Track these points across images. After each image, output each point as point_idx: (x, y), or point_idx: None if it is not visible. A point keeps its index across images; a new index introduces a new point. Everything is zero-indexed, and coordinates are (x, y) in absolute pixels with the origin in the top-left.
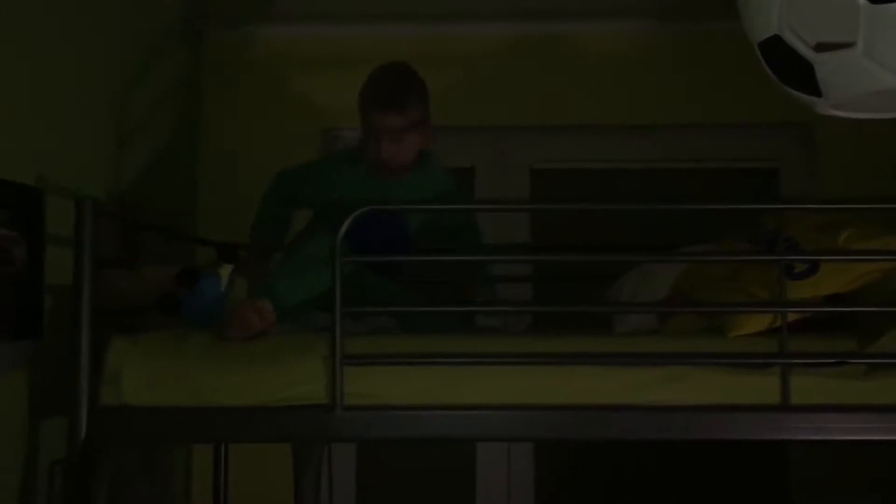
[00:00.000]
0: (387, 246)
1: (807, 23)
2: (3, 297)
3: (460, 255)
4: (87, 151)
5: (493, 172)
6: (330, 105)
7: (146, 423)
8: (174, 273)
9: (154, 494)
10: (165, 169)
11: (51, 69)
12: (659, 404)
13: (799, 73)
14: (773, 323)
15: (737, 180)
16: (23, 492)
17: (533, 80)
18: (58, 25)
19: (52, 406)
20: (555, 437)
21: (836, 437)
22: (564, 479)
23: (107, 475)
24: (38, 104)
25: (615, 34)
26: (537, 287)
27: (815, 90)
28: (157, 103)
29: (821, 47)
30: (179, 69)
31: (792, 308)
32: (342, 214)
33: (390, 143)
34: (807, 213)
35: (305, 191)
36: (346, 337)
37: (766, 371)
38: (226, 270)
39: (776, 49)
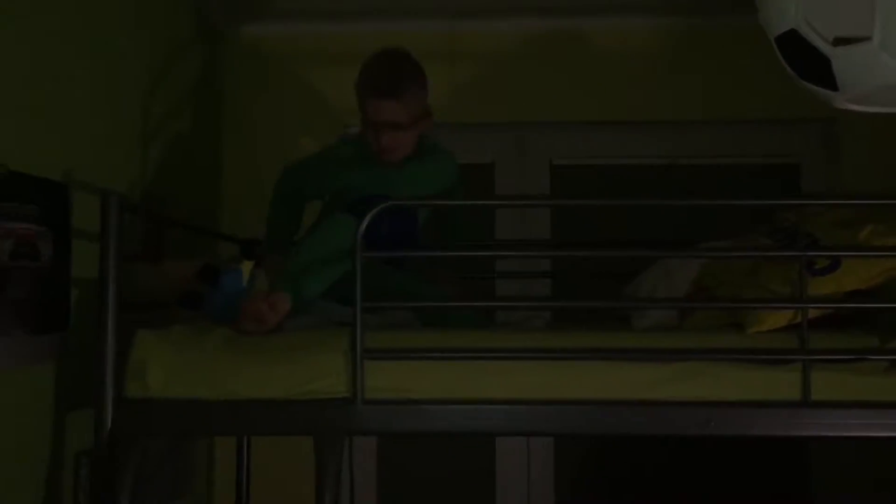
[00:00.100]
0: (396, 238)
1: (823, 17)
2: (31, 290)
3: (478, 252)
4: (112, 148)
5: (512, 169)
6: (351, 100)
7: (170, 415)
8: (196, 269)
9: (177, 485)
10: (188, 164)
11: (77, 67)
12: (679, 400)
13: (815, 67)
14: (794, 319)
15: (758, 176)
16: (50, 482)
17: (553, 76)
18: (84, 25)
19: (79, 398)
20: (574, 431)
21: (857, 433)
22: (584, 479)
23: (132, 466)
24: (65, 101)
25: (635, 30)
26: (557, 283)
27: (832, 84)
28: (180, 100)
29: (837, 41)
30: (201, 66)
31: (813, 304)
32: (352, 205)
33: (389, 131)
34: (827, 209)
35: (311, 183)
36: (366, 331)
37: (786, 367)
38: (247, 266)
39: (793, 43)
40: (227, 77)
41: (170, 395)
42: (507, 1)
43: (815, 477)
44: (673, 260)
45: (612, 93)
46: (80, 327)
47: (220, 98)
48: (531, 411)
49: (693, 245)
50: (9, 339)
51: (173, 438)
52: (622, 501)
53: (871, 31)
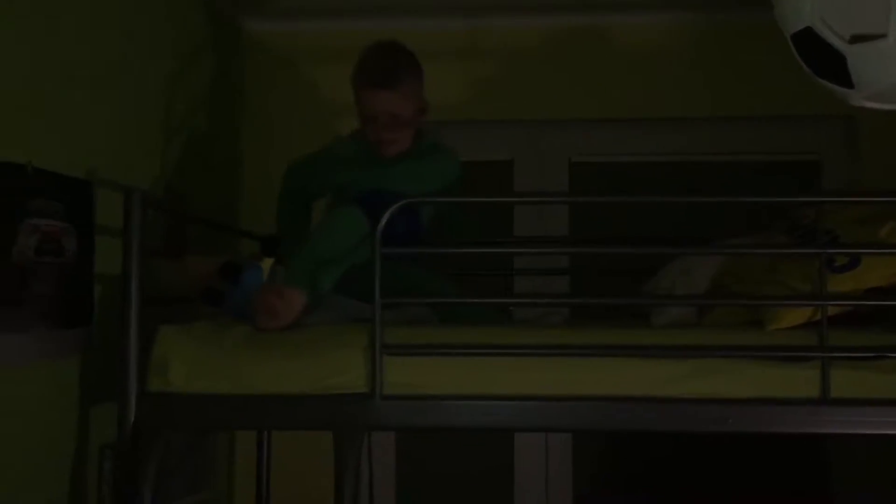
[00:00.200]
0: (400, 235)
1: (838, 15)
2: (56, 286)
3: (495, 249)
4: (134, 145)
5: (531, 166)
6: None
7: (192, 409)
8: (218, 265)
9: (198, 479)
10: (208, 162)
11: (99, 68)
12: (698, 397)
13: (831, 64)
14: (813, 316)
15: (778, 173)
16: (74, 474)
17: (572, 73)
18: (107, 23)
19: (102, 392)
20: (592, 427)
21: (876, 431)
22: (602, 475)
23: (154, 459)
24: (88, 100)
25: (654, 26)
26: (575, 280)
27: (848, 82)
28: (199, 98)
29: (852, 39)
30: (219, 63)
31: (833, 302)
32: (355, 202)
33: (387, 123)
34: (847, 206)
35: (314, 181)
36: (384, 327)
37: (805, 364)
38: (267, 263)
39: (808, 41)
40: (245, 74)
41: (191, 390)
42: None
43: (835, 475)
44: (692, 257)
45: (632, 90)
46: (104, 322)
47: (240, 95)
48: (549, 407)
49: (712, 242)
50: (34, 334)
51: (195, 432)
52: (640, 497)
53: (886, 29)
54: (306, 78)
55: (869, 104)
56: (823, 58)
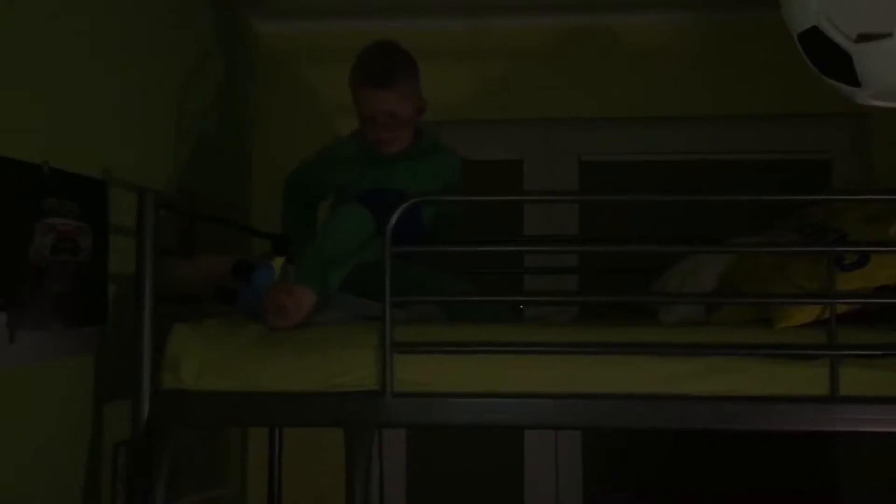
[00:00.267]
0: (404, 234)
1: (844, 14)
2: (71, 285)
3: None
4: (147, 145)
5: (541, 165)
6: None
7: (205, 406)
8: (230, 264)
9: (211, 475)
10: (219, 162)
11: (113, 70)
12: (707, 394)
13: (837, 63)
14: (822, 314)
15: (788, 172)
16: (89, 471)
17: (581, 72)
18: (120, 24)
19: (116, 390)
20: (601, 425)
21: (886, 429)
22: (612, 473)
23: (167, 455)
24: (103, 101)
25: (663, 25)
26: (584, 279)
27: (854, 80)
28: (212, 97)
29: (858, 38)
30: (230, 64)
31: (841, 300)
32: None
33: (386, 122)
34: (855, 205)
35: (315, 183)
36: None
37: (814, 363)
38: (278, 262)
39: (815, 40)
40: (256, 74)
41: (203, 388)
42: None
43: (846, 475)
44: (700, 256)
45: (641, 89)
46: (117, 321)
47: (250, 94)
48: (558, 405)
49: (721, 241)
50: (51, 331)
51: (207, 430)
52: (650, 495)
53: (891, 28)
54: (316, 77)
55: (875, 102)
56: (830, 56)
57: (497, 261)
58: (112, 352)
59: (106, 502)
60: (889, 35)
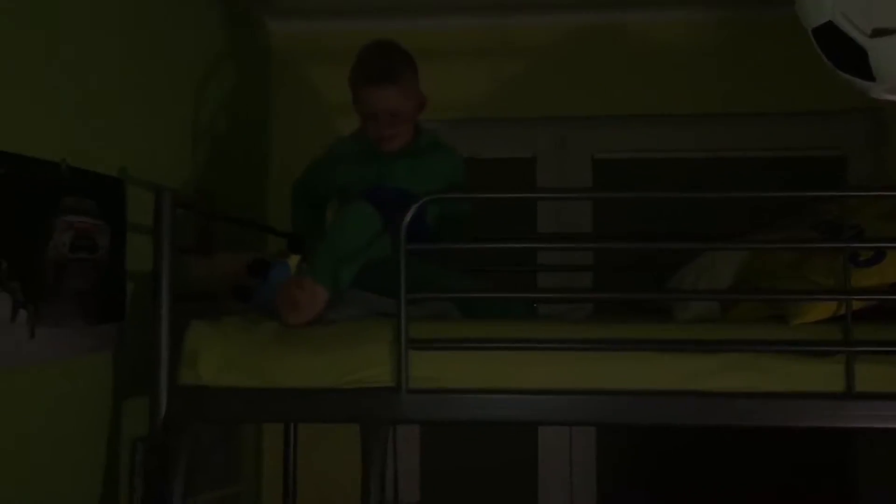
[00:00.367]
0: (407, 232)
1: (859, 9)
2: (90, 282)
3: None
4: (164, 144)
5: (554, 163)
6: None
7: (222, 402)
8: (246, 262)
9: (227, 472)
10: (236, 161)
11: (131, 70)
12: (722, 391)
13: (852, 58)
14: (838, 311)
15: (803, 169)
16: (108, 467)
17: (594, 71)
18: (136, 25)
19: (134, 386)
20: (616, 421)
21: None
22: (626, 470)
23: (185, 452)
24: (120, 100)
25: (676, 23)
26: (599, 277)
27: (869, 75)
28: (228, 96)
29: (873, 33)
30: (248, 62)
31: (857, 296)
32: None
33: (387, 118)
34: (870, 201)
35: (320, 186)
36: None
37: (830, 359)
38: (294, 259)
39: (829, 35)
40: (271, 73)
41: (221, 384)
42: None
43: (861, 472)
44: (716, 253)
45: (654, 87)
46: (136, 318)
47: (266, 94)
48: (573, 401)
49: (736, 238)
50: (69, 328)
51: (223, 426)
52: (664, 493)
53: None
54: (332, 76)
55: (890, 97)
56: (844, 51)
57: (511, 259)
58: (130, 349)
59: (124, 498)
60: None
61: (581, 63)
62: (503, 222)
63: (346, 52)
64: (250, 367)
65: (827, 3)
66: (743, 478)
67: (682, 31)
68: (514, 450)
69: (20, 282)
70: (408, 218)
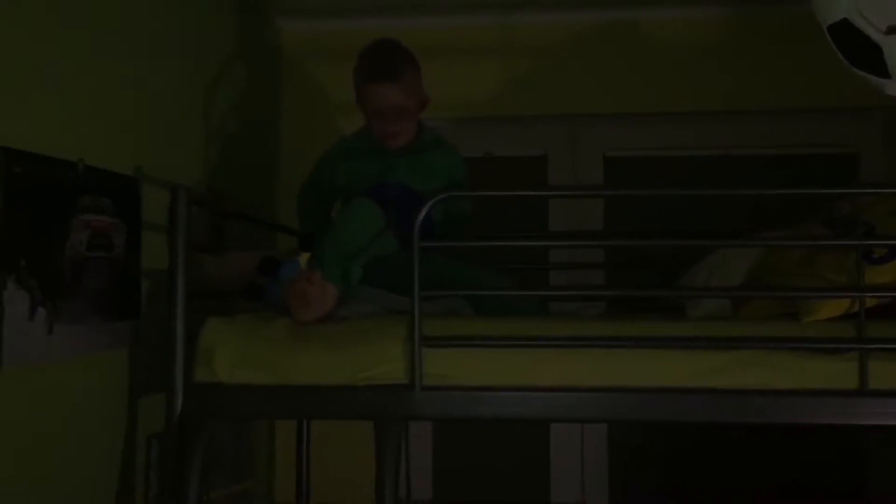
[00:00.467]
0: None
1: (875, 6)
2: (106, 280)
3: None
4: (177, 145)
5: (565, 161)
6: None
7: (237, 399)
8: (257, 261)
9: (241, 469)
10: (248, 160)
11: (146, 68)
12: (735, 388)
13: (867, 55)
14: (850, 308)
15: (815, 166)
16: (124, 462)
17: (605, 68)
18: (151, 26)
19: (149, 383)
20: (629, 418)
21: None
22: (638, 468)
23: (200, 448)
24: (135, 101)
25: (688, 20)
26: (610, 274)
27: (884, 72)
28: (240, 96)
29: (889, 30)
30: (259, 62)
31: (870, 293)
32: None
33: (392, 115)
34: (883, 199)
35: (325, 184)
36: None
37: (843, 356)
38: (305, 257)
39: (845, 32)
40: (282, 72)
41: (235, 381)
42: None
43: (872, 466)
44: (728, 250)
45: (666, 84)
46: (151, 315)
47: (275, 93)
48: (584, 398)
49: (748, 235)
50: (86, 325)
51: (237, 424)
52: (675, 490)
53: None
54: (342, 75)
55: None
56: (860, 49)
57: (522, 257)
58: (145, 346)
59: (140, 494)
60: None
61: (593, 61)
62: (516, 220)
63: (354, 50)
64: (265, 365)
65: (843, 0)
66: (753, 476)
67: (695, 28)
68: (526, 447)
69: (39, 280)
70: (422, 215)
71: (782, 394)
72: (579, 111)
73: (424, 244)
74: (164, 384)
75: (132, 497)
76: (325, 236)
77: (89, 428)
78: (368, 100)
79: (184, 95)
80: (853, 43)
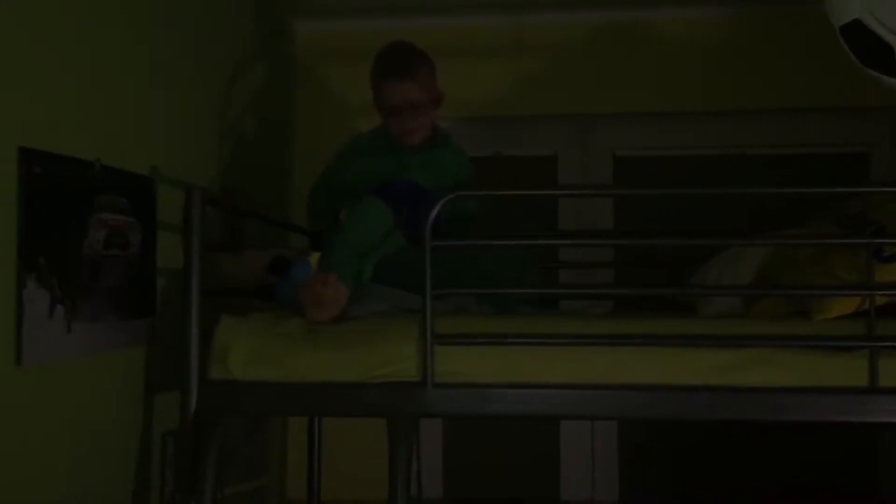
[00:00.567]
0: (419, 224)
1: (886, 7)
2: (123, 278)
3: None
4: (191, 145)
5: (575, 160)
6: None
7: (251, 396)
8: (267, 261)
9: (253, 466)
10: (261, 160)
11: (162, 68)
12: (745, 386)
13: (880, 55)
14: (861, 306)
15: (826, 165)
16: (139, 459)
17: (615, 68)
18: (167, 28)
19: (164, 381)
20: (640, 416)
21: None
22: (647, 466)
23: (216, 445)
24: (151, 101)
25: (698, 20)
26: (619, 273)
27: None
28: (254, 97)
29: None
30: (273, 62)
31: (881, 291)
32: (376, 190)
33: (409, 113)
34: (893, 197)
35: (336, 182)
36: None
37: (853, 354)
38: (315, 257)
39: (857, 32)
40: (296, 72)
41: (250, 378)
42: None
43: (883, 464)
44: (738, 248)
45: (676, 83)
46: (165, 314)
47: (289, 93)
48: (595, 396)
49: (758, 234)
50: (104, 323)
51: (250, 422)
52: (686, 487)
53: None
54: (354, 76)
55: None
56: (872, 48)
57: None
58: (160, 344)
59: (155, 490)
60: None
61: (603, 60)
62: (525, 219)
63: (367, 51)
64: (279, 362)
65: (855, 1)
66: (763, 472)
67: (703, 28)
68: (536, 444)
69: (58, 278)
70: (433, 214)
71: (792, 391)
72: (589, 111)
73: (436, 243)
74: (178, 382)
75: (148, 493)
76: (335, 236)
77: (106, 425)
78: (385, 98)
79: (199, 96)
80: (865, 43)
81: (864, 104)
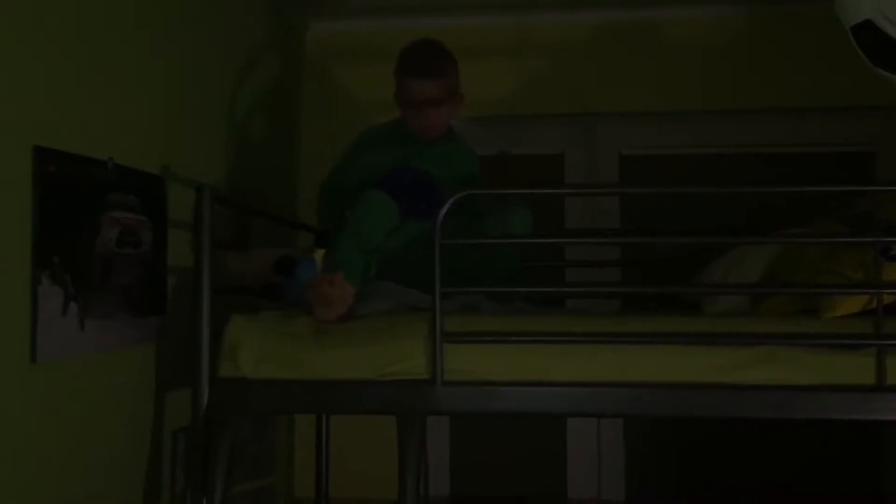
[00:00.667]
0: (424, 217)
1: None
2: (135, 276)
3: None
4: (201, 144)
5: (582, 159)
6: None
7: (262, 395)
8: (273, 260)
9: (261, 465)
10: (268, 159)
11: (173, 69)
12: (752, 384)
13: (890, 55)
14: (868, 304)
15: (833, 164)
16: (151, 457)
17: (622, 67)
18: (179, 28)
19: (174, 378)
20: (645, 413)
21: None
22: (654, 462)
23: (226, 443)
24: (162, 101)
25: (705, 19)
26: (626, 272)
27: None
28: (262, 97)
29: None
30: (279, 64)
31: (888, 290)
32: (381, 179)
33: (430, 109)
34: None
35: (347, 175)
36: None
37: (860, 352)
38: (320, 254)
39: (868, 33)
40: (303, 72)
41: (259, 376)
42: None
43: (887, 463)
44: (745, 247)
45: (682, 83)
46: (175, 311)
47: (297, 93)
48: (602, 394)
49: (765, 233)
50: (116, 321)
51: (257, 421)
52: (692, 485)
53: None
54: (363, 75)
55: None
56: (882, 49)
57: (539, 254)
58: (170, 341)
59: (166, 487)
60: None
61: (609, 60)
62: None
63: (377, 50)
64: (289, 360)
65: (866, 1)
66: (769, 470)
67: (710, 27)
68: (543, 442)
69: (71, 275)
70: (444, 211)
71: (799, 389)
72: (595, 110)
73: (444, 241)
74: (189, 379)
75: (159, 490)
76: (340, 234)
77: (117, 422)
78: (409, 93)
79: (209, 96)
80: (876, 43)
81: (869, 103)
